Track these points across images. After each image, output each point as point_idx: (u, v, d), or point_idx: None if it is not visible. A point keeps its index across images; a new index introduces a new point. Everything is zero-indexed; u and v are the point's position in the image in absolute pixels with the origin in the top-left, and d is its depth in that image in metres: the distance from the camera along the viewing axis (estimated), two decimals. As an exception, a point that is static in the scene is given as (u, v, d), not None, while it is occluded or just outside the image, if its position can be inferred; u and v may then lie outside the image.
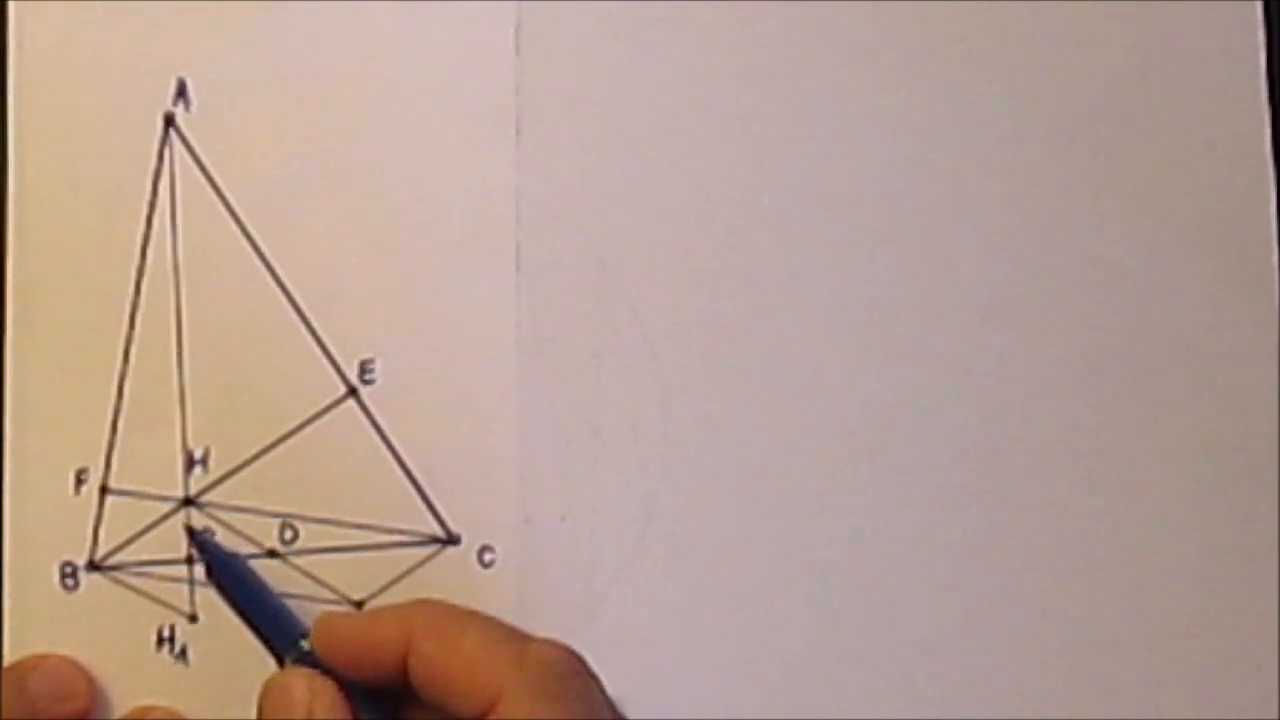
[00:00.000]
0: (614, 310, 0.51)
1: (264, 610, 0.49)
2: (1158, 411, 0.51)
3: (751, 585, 0.50)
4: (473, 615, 0.47)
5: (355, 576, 0.50)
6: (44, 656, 0.50)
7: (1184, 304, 0.52)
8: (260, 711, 0.46)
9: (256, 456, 0.50)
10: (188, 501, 0.50)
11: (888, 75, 0.52)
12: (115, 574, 0.50)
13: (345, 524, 0.50)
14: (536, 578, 0.50)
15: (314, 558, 0.50)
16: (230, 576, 0.49)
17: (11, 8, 0.52)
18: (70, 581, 0.50)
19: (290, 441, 0.50)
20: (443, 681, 0.45)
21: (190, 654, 0.50)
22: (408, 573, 0.50)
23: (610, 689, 0.48)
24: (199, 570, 0.50)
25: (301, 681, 0.46)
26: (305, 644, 0.47)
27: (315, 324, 0.51)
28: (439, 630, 0.46)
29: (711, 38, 0.52)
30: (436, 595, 0.49)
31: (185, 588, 0.50)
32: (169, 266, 0.51)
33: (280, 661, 0.48)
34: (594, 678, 0.47)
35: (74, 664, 0.50)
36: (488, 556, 0.50)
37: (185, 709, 0.50)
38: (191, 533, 0.50)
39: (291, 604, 0.50)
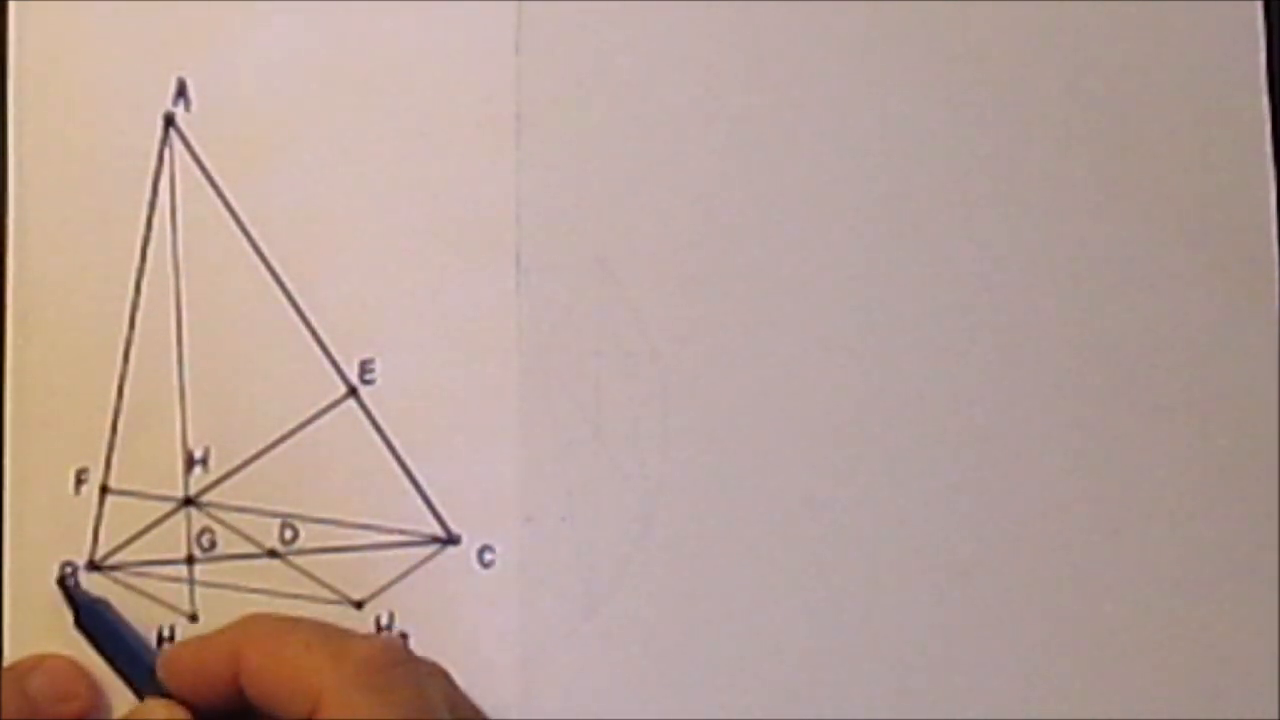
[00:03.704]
0: (614, 310, 0.51)
1: (124, 651, 0.49)
2: (1158, 411, 0.51)
3: (751, 585, 0.50)
4: (297, 622, 0.48)
5: (355, 576, 0.50)
6: (44, 656, 0.49)
7: (1184, 304, 0.52)
8: None
9: (256, 456, 0.50)
10: (188, 501, 0.50)
11: (887, 75, 0.52)
12: (115, 574, 0.50)
13: (345, 524, 0.50)
14: (536, 578, 0.49)
15: (314, 558, 0.50)
16: (93, 620, 0.49)
17: (11, 8, 0.52)
18: (70, 581, 0.50)
19: (290, 441, 0.50)
20: (270, 691, 0.46)
21: (190, 654, 0.50)
22: (408, 573, 0.50)
23: (610, 689, 0.48)
24: (199, 570, 0.50)
25: (160, 711, 0.47)
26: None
27: (315, 324, 0.51)
28: (262, 643, 0.46)
29: (712, 38, 0.52)
30: (436, 595, 0.49)
31: (185, 588, 0.50)
32: (169, 266, 0.51)
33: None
34: (418, 664, 0.47)
35: (74, 664, 0.49)
36: (488, 556, 0.50)
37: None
38: (62, 582, 0.50)
39: (292, 604, 0.50)
